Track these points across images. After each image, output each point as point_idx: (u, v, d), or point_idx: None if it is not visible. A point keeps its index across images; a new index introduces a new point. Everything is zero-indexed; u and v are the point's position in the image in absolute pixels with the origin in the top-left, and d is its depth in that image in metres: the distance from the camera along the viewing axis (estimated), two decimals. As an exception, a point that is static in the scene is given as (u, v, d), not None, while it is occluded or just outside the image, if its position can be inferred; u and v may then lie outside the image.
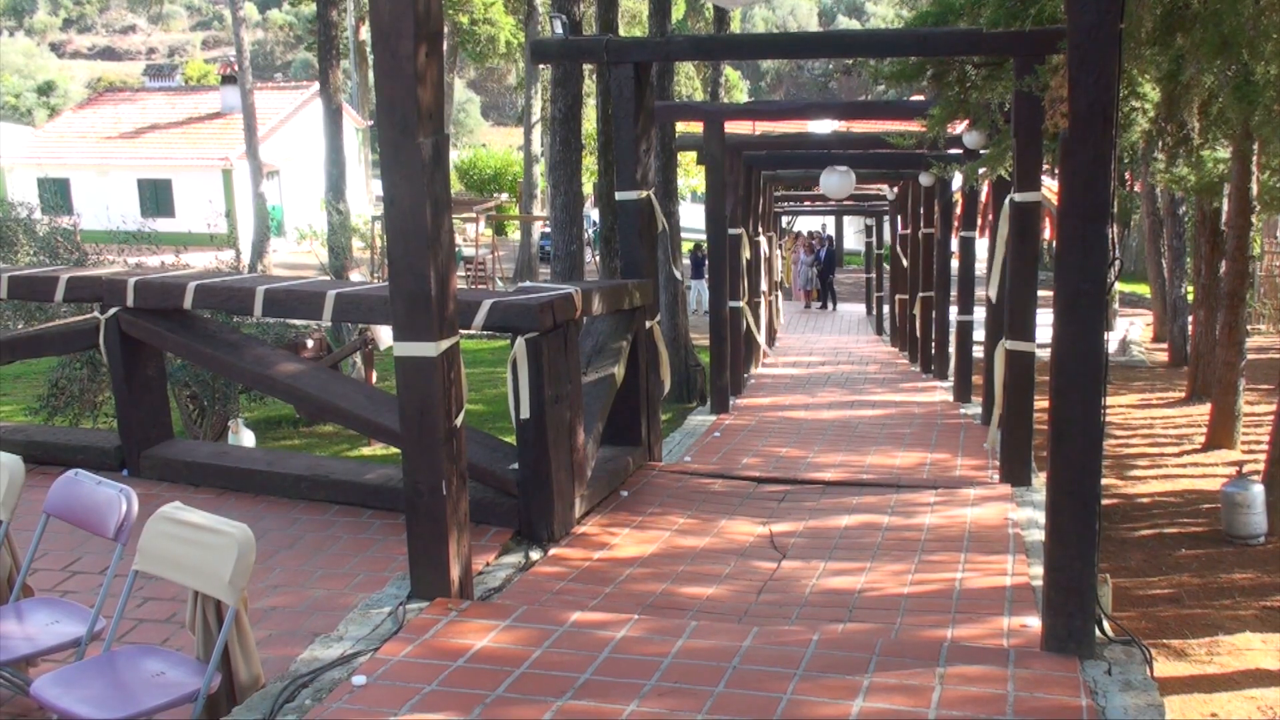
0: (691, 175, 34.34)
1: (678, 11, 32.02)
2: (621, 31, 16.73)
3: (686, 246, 23.53)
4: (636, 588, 4.88)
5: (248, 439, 9.74)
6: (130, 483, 3.85)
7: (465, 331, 4.71)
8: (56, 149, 35.88)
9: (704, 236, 12.69)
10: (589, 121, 16.32)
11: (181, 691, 3.14)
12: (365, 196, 36.70)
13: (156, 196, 34.28)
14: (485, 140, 59.50)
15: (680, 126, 13.78)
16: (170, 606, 4.34)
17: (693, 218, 28.57)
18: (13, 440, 6.35)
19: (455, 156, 45.07)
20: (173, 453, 6.18)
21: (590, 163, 19.71)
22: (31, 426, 7.71)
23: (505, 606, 4.36)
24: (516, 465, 5.36)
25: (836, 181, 13.55)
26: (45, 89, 65.06)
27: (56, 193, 30.38)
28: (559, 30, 8.98)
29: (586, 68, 14.49)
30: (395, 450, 4.96)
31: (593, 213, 27.68)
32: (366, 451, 11.13)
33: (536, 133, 29.75)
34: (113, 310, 6.01)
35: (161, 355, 6.37)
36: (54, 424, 9.80)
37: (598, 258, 14.89)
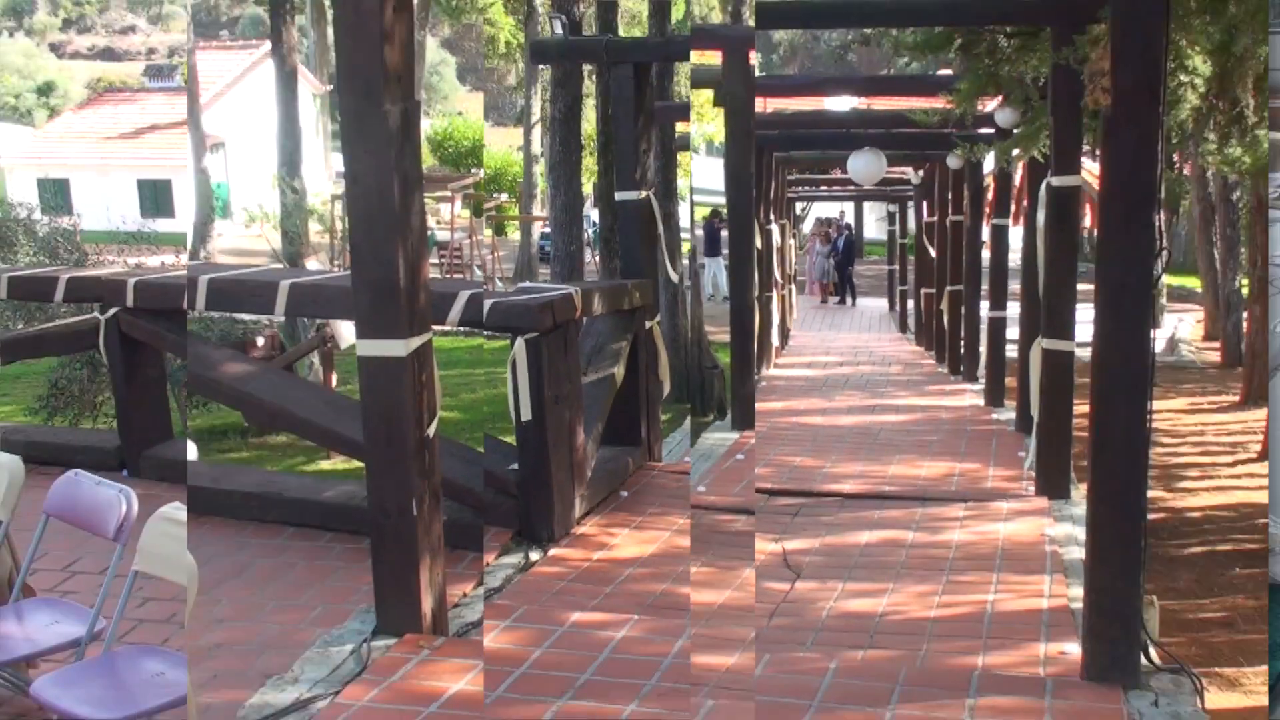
0: (689, 175, 33.95)
1: (677, 11, 31.98)
2: (621, 31, 16.73)
3: (686, 248, 23.32)
4: (636, 588, 4.88)
5: (189, 451, 9.38)
6: (130, 483, 3.82)
7: (439, 328, 4.41)
8: (56, 149, 35.64)
9: (719, 200, 11.68)
10: (589, 122, 16.31)
11: (181, 691, 3.14)
12: (324, 172, 32.75)
13: (156, 197, 33.86)
14: (462, 108, 53.55)
15: (695, 58, 12.72)
16: (170, 607, 4.29)
17: (706, 175, 25.96)
18: (13, 440, 6.33)
19: (428, 126, 39.82)
20: (173, 453, 6.18)
21: (590, 163, 19.70)
22: (31, 427, 7.75)
23: (504, 606, 4.35)
24: (516, 465, 5.37)
25: (865, 165, 12.32)
26: (45, 89, 64.93)
27: (56, 193, 30.20)
28: (559, 31, 9.00)
29: (586, 68, 14.48)
30: (358, 464, 4.80)
31: (593, 213, 27.64)
32: (325, 466, 10.39)
33: (536, 133, 29.72)
34: (112, 310, 5.99)
35: (161, 356, 6.37)
36: (54, 424, 9.83)
37: (598, 258, 14.88)
